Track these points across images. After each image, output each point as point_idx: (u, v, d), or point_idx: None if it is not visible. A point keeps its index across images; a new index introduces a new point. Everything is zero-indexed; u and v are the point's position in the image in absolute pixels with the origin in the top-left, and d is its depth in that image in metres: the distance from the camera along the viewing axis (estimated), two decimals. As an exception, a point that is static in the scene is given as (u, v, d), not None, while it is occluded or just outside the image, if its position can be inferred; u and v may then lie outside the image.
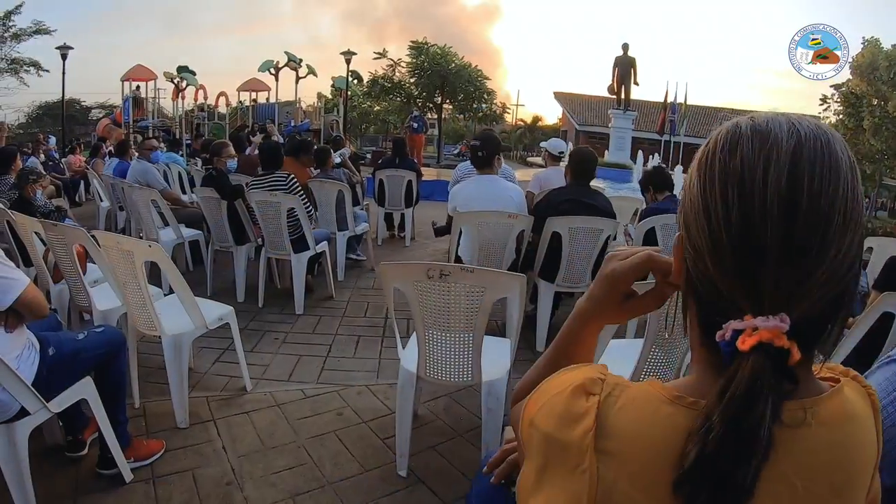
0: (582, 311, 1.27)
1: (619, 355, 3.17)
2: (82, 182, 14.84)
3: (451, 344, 3.23)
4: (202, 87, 30.21)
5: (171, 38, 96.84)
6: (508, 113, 48.07)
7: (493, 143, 5.59)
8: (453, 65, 33.98)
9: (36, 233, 4.52)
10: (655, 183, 5.97)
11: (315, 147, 8.28)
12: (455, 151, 45.18)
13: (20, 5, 33.11)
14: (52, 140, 24.43)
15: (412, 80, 34.97)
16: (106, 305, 4.23)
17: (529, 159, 29.36)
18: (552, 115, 61.06)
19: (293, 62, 29.76)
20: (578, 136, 40.39)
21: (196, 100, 30.81)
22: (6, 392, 2.56)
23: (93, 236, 3.94)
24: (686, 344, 2.86)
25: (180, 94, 29.62)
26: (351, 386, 4.48)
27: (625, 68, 20.90)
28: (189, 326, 3.85)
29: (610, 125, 21.51)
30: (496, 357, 3.43)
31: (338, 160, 8.95)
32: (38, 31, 33.83)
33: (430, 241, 9.86)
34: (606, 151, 22.09)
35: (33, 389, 2.66)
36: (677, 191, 6.09)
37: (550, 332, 5.22)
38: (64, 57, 25.48)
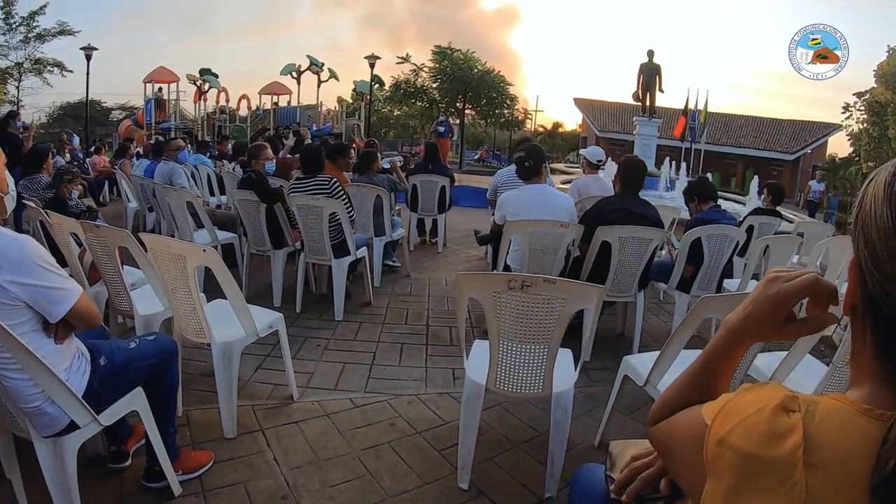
0: (736, 330, 1.26)
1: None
2: (106, 182, 14.79)
3: (525, 355, 3.14)
4: (224, 89, 30.30)
5: (188, 41, 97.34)
6: (530, 119, 47.91)
7: (538, 153, 5.54)
8: (476, 70, 33.98)
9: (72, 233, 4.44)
10: (700, 194, 5.90)
11: (363, 151, 8.21)
12: (475, 157, 45.15)
13: (44, 6, 33.37)
14: (76, 140, 24.50)
15: (434, 85, 34.98)
16: (148, 310, 4.11)
17: (553, 166, 29.16)
18: (571, 120, 60.93)
19: (315, 66, 29.85)
20: (598, 143, 40.17)
21: (217, 102, 30.91)
22: (55, 405, 2.45)
23: (138, 239, 3.84)
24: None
25: (202, 97, 29.71)
26: (400, 395, 4.36)
27: (650, 75, 20.69)
28: (240, 334, 3.72)
29: (635, 132, 21.28)
30: (562, 368, 3.32)
31: (386, 165, 8.82)
32: (62, 32, 34.11)
33: (462, 248, 9.85)
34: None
35: (84, 402, 2.53)
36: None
37: (595, 342, 5.09)
38: (88, 58, 25.63)
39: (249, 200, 6.21)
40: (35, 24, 33.53)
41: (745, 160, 40.12)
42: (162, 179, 8.04)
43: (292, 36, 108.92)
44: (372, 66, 27.74)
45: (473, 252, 9.53)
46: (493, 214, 8.67)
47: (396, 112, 44.72)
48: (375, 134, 30.41)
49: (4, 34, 32.87)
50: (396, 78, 36.39)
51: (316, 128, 26.81)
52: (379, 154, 8.64)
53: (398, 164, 9.19)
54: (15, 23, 33.03)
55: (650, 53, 20.77)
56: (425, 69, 35.43)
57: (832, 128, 40.10)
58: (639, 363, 3.60)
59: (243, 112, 31.88)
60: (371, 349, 5.20)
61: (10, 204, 2.65)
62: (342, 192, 5.96)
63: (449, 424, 3.98)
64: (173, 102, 30.43)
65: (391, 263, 7.75)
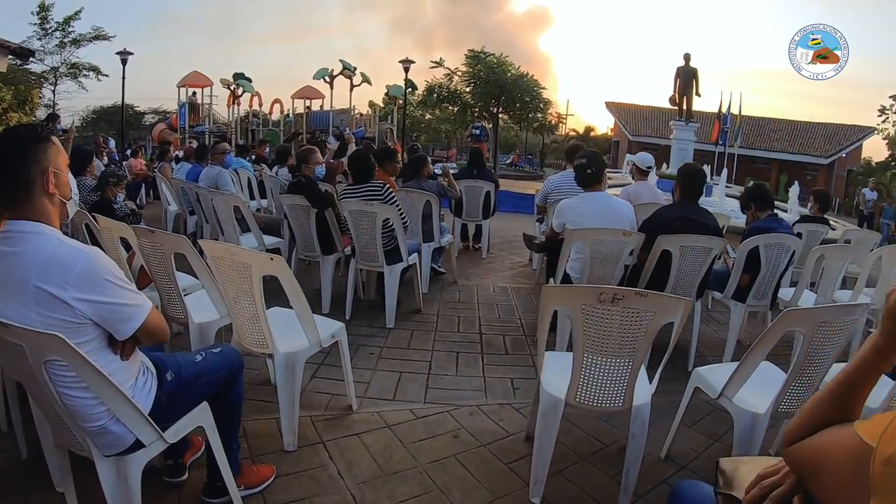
0: (880, 348, 1.32)
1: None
2: (143, 185, 14.85)
3: (609, 369, 3.04)
4: (257, 93, 30.43)
5: (218, 47, 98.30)
6: (563, 123, 47.65)
7: (600, 160, 5.46)
8: (510, 74, 33.87)
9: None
10: (758, 201, 5.78)
11: (413, 157, 8.12)
12: (507, 161, 45.05)
13: (79, 11, 33.72)
14: (112, 143, 24.71)
15: (468, 90, 34.91)
16: (203, 317, 4.02)
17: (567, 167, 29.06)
18: (602, 124, 60.60)
19: (348, 70, 29.87)
20: (631, 147, 39.89)
21: (251, 106, 31.07)
22: (120, 424, 2.33)
23: (195, 245, 3.76)
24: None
25: (236, 101, 29.84)
26: (461, 406, 4.26)
27: (687, 79, 20.42)
28: (303, 344, 3.62)
29: (672, 136, 21.03)
30: (640, 381, 3.19)
31: (437, 171, 8.69)
32: (97, 37, 34.44)
33: (505, 254, 9.76)
34: (665, 163, 21.77)
35: (151, 420, 2.41)
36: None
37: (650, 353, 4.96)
38: (124, 62, 25.79)
39: (299, 205, 6.12)
40: (70, 29, 33.87)
41: (778, 164, 39.70)
42: (207, 183, 7.98)
43: (321, 41, 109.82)
44: (406, 69, 27.68)
45: (517, 258, 9.43)
46: (537, 219, 8.66)
47: (428, 116, 44.76)
48: (407, 138, 30.40)
49: (40, 39, 33.23)
50: (429, 82, 36.42)
51: (349, 131, 26.80)
52: (429, 159, 8.53)
53: (450, 170, 8.99)
54: (51, 28, 33.39)
55: (686, 57, 20.48)
56: (458, 73, 35.39)
57: (867, 131, 39.55)
58: (711, 375, 3.52)
59: (275, 116, 32.04)
60: (426, 358, 5.10)
61: (73, 209, 2.46)
62: (395, 199, 5.86)
63: (514, 436, 3.89)
64: (206, 106, 30.62)
65: (437, 269, 7.63)
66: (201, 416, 2.73)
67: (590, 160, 5.32)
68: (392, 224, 5.70)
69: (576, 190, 6.65)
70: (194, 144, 13.26)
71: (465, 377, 4.78)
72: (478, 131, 23.36)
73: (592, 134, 56.69)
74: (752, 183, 6.57)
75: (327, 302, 6.06)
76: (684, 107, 20.58)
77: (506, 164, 42.23)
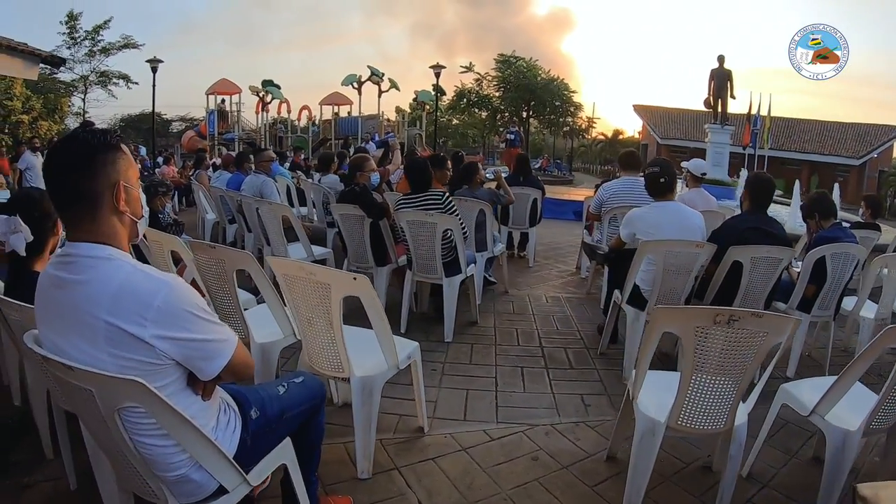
0: None
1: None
2: (176, 192, 14.81)
3: (717, 390, 2.91)
4: (286, 100, 30.45)
5: (242, 55, 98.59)
6: (594, 127, 47.42)
7: (672, 169, 5.25)
8: (539, 78, 33.80)
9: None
10: (822, 210, 5.63)
11: (465, 164, 7.97)
12: (536, 165, 44.93)
13: (108, 20, 34.06)
14: (143, 150, 24.86)
15: (498, 94, 34.88)
16: (265, 337, 3.84)
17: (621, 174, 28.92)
18: (629, 127, 60.20)
19: (376, 76, 29.92)
20: (660, 150, 39.60)
21: (279, 113, 31.11)
22: (202, 470, 2.09)
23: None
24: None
25: (265, 108, 29.91)
26: (535, 426, 4.08)
27: (721, 81, 20.04)
28: (381, 367, 3.45)
29: (706, 140, 20.67)
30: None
31: (490, 177, 8.52)
32: (126, 46, 34.79)
33: (551, 262, 9.61)
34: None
35: (236, 464, 2.17)
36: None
37: None
38: (154, 70, 25.89)
39: (353, 215, 5.98)
40: (100, 37, 34.19)
41: (809, 166, 39.17)
42: (252, 192, 7.84)
43: (343, 48, 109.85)
44: (437, 75, 27.64)
45: (563, 266, 9.29)
46: (585, 226, 8.49)
47: (455, 121, 44.71)
48: (433, 143, 30.41)
49: (69, 48, 33.56)
50: (458, 87, 36.51)
51: (378, 137, 26.76)
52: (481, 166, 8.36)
53: (503, 175, 8.79)
54: (80, 37, 33.72)
55: (720, 58, 20.11)
56: (488, 77, 35.38)
57: (899, 130, 38.96)
58: (799, 392, 3.41)
59: (302, 123, 32.11)
60: (490, 373, 4.93)
61: (143, 228, 2.17)
62: (455, 209, 5.69)
63: (594, 457, 3.73)
64: (235, 113, 30.68)
65: (488, 278, 7.47)
66: (284, 454, 2.54)
67: (662, 169, 5.12)
68: (451, 235, 5.53)
69: (635, 198, 6.56)
70: (233, 152, 13.12)
71: (534, 394, 4.61)
72: (512, 136, 23.30)
73: (621, 137, 56.22)
74: (813, 191, 6.38)
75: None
76: (719, 109, 20.25)
77: (535, 169, 42.13)
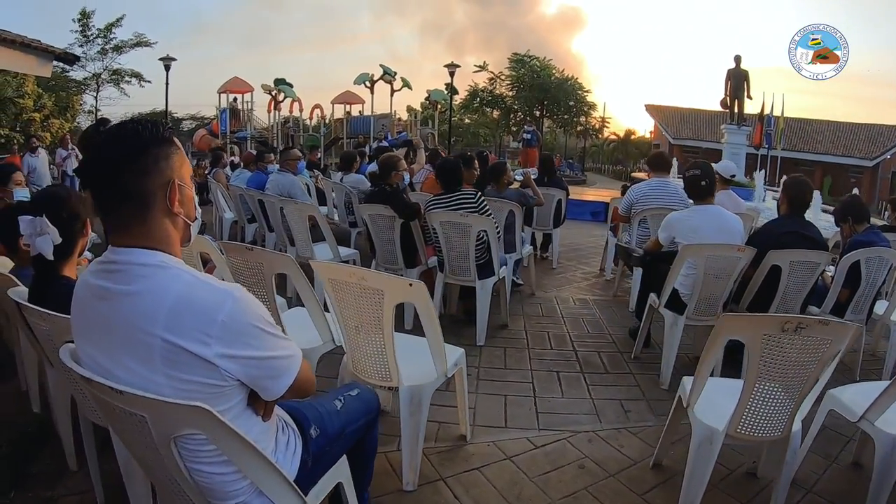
0: None
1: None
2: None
3: (778, 398, 2.89)
4: (298, 99, 30.40)
5: (251, 55, 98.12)
6: (607, 126, 47.20)
7: (713, 172, 5.23)
8: (554, 77, 33.78)
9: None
10: (855, 214, 5.54)
11: (493, 164, 7.89)
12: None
13: (121, 18, 34.07)
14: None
15: (512, 94, 34.85)
16: (303, 343, 3.55)
17: (635, 174, 28.73)
18: (640, 127, 59.81)
19: (388, 75, 29.85)
20: (672, 150, 39.44)
21: (291, 112, 31.06)
22: (263, 496, 1.87)
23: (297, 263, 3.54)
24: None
25: (277, 107, 29.85)
26: (577, 432, 4.00)
27: (738, 81, 19.89)
28: (430, 376, 3.36)
29: (723, 140, 20.56)
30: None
31: (518, 178, 8.40)
32: (138, 44, 34.83)
33: (574, 263, 9.54)
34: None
35: (297, 489, 1.94)
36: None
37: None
38: (167, 68, 25.96)
39: (382, 215, 5.89)
40: (112, 35, 34.23)
41: (822, 167, 38.92)
42: (277, 191, 7.73)
43: (352, 48, 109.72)
44: (452, 74, 27.67)
45: (587, 267, 9.23)
46: (610, 227, 8.41)
47: (466, 120, 44.66)
48: (448, 143, 30.40)
49: (82, 46, 33.58)
50: (472, 86, 36.50)
51: (391, 136, 26.67)
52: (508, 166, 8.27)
53: (532, 176, 8.68)
54: (92, 35, 33.75)
55: (737, 59, 19.97)
56: (502, 77, 35.38)
57: (912, 132, 38.70)
58: (846, 397, 3.36)
59: (313, 121, 32.10)
60: (526, 378, 4.85)
61: (195, 229, 2.06)
62: (488, 209, 5.60)
63: (639, 465, 3.66)
64: (247, 112, 30.63)
65: (515, 280, 7.38)
66: (340, 472, 2.38)
67: (703, 171, 5.07)
68: (485, 236, 5.44)
69: (665, 199, 6.54)
70: (254, 151, 13.01)
71: (573, 400, 4.53)
72: (529, 136, 23.19)
73: (633, 137, 55.94)
74: (848, 195, 6.30)
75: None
76: (735, 110, 20.14)
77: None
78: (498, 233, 5.59)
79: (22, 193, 4.94)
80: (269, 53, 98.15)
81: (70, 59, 15.02)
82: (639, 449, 3.84)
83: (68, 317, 1.83)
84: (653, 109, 46.41)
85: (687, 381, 3.33)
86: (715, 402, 3.06)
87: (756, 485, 3.46)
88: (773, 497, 3.09)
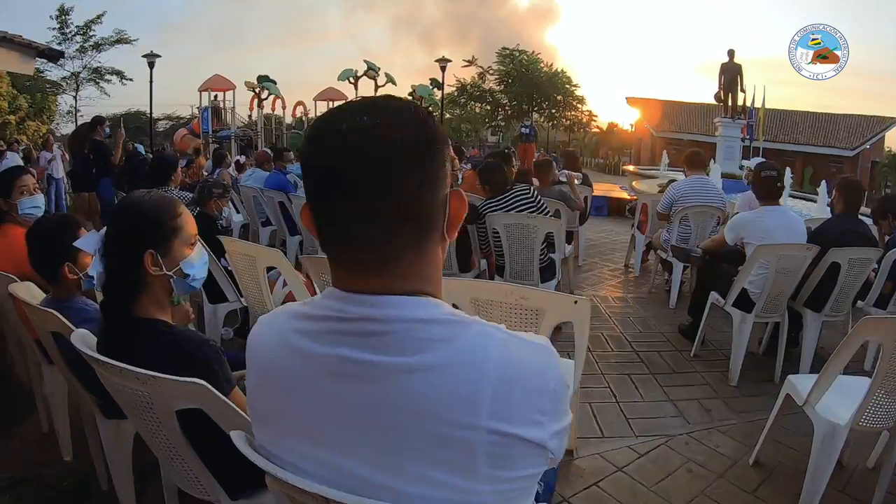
0: None
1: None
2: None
3: None
4: (281, 97, 30.14)
5: (225, 52, 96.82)
6: (595, 120, 47.15)
7: (783, 173, 5.33)
8: (542, 72, 33.84)
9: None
10: (895, 211, 5.69)
11: (538, 161, 7.81)
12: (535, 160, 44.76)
13: (101, 14, 33.47)
14: (141, 149, 24.44)
15: (499, 88, 34.86)
16: None
17: (626, 168, 28.81)
18: (620, 120, 59.83)
19: (372, 71, 29.68)
20: (655, 143, 39.59)
21: (273, 110, 30.79)
22: None
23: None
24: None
25: (260, 104, 29.55)
26: (672, 436, 4.00)
27: (731, 75, 19.94)
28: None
29: (717, 133, 20.60)
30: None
31: (562, 178, 8.30)
32: (119, 41, 34.24)
33: (597, 260, 9.54)
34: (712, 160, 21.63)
35: None
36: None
37: (815, 362, 4.91)
38: (151, 65, 25.57)
39: None
40: (92, 33, 33.60)
41: (803, 157, 39.28)
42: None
43: (325, 44, 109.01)
44: (443, 69, 27.67)
45: (612, 264, 9.23)
46: (636, 225, 8.40)
47: (448, 115, 44.60)
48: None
49: (60, 44, 32.93)
50: (460, 81, 36.45)
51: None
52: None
53: (575, 178, 8.54)
54: (71, 32, 33.10)
55: (730, 53, 20.02)
56: (490, 71, 35.42)
57: (889, 122, 39.13)
58: (801, 383, 3.43)
59: (289, 119, 31.88)
60: (601, 383, 4.80)
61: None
62: (546, 207, 5.53)
63: (739, 463, 3.69)
64: (231, 110, 30.28)
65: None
66: None
67: (778, 173, 5.16)
68: (550, 238, 5.38)
69: (705, 197, 6.68)
70: (268, 149, 12.80)
71: (654, 403, 4.52)
72: (527, 130, 23.12)
73: (616, 130, 55.87)
74: (886, 193, 6.39)
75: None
76: (729, 103, 20.24)
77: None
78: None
79: (31, 203, 3.82)
80: (243, 51, 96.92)
81: (54, 55, 14.76)
82: (732, 447, 3.87)
83: (187, 380, 1.78)
84: (634, 102, 46.53)
85: (796, 379, 3.45)
86: (833, 398, 3.13)
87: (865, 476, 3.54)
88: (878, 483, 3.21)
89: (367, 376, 1.08)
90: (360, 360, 1.08)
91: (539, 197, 5.58)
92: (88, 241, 2.27)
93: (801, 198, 16.32)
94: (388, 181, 1.06)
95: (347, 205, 1.07)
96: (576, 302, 2.98)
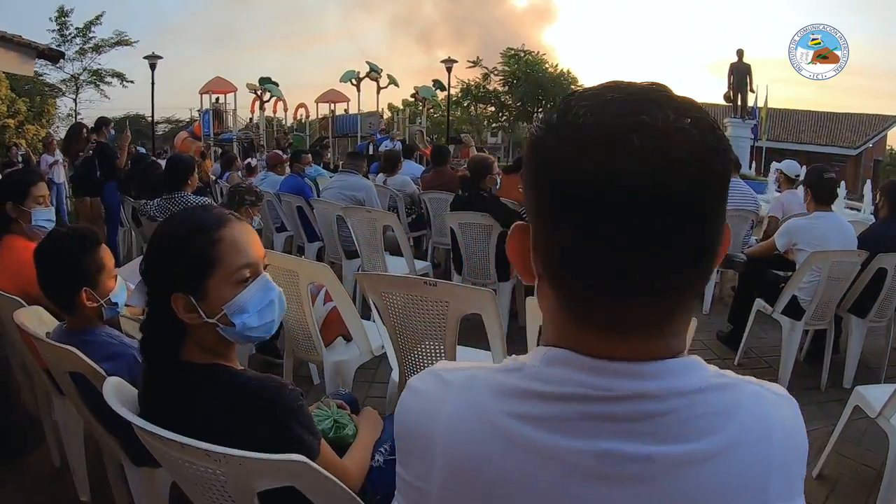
0: None
1: None
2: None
3: None
4: (283, 99, 30.06)
5: (224, 54, 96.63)
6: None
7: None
8: (547, 72, 33.84)
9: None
10: None
11: None
12: (522, 159, 44.76)
13: (101, 15, 33.17)
14: (143, 151, 24.30)
15: (504, 89, 34.85)
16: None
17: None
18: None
19: (375, 72, 29.65)
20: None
21: (275, 112, 30.70)
22: None
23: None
24: None
25: (262, 106, 29.45)
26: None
27: (740, 75, 20.00)
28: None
29: (727, 134, 20.65)
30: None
31: None
32: (119, 43, 33.95)
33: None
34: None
35: None
36: None
37: (859, 369, 4.93)
38: (152, 66, 25.47)
39: (478, 224, 5.52)
40: (91, 34, 33.32)
41: (806, 156, 39.22)
42: (341, 195, 7.16)
43: (323, 46, 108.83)
44: (449, 70, 27.63)
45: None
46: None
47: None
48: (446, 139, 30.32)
49: (59, 46, 32.67)
50: (466, 83, 36.45)
51: (380, 135, 26.36)
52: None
53: None
54: (70, 34, 32.80)
55: (740, 53, 20.10)
56: (495, 72, 35.44)
57: (892, 120, 39.15)
58: (870, 394, 3.38)
59: (289, 121, 31.83)
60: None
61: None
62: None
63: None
64: (232, 112, 30.12)
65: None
66: None
67: (836, 179, 5.16)
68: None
69: (738, 201, 6.70)
70: (280, 152, 12.56)
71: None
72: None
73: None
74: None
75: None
76: (739, 103, 20.25)
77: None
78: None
79: (45, 215, 3.39)
80: (237, 53, 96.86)
81: (54, 55, 14.58)
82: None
83: (284, 458, 1.47)
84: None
85: (865, 389, 3.41)
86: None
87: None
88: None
89: (640, 476, 0.79)
90: (632, 455, 0.78)
91: None
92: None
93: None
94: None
95: (658, 240, 0.75)
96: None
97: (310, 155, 10.08)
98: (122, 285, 2.46)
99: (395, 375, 3.35)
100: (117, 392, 1.71)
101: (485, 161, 6.19)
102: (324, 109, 31.70)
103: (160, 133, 43.44)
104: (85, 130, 9.45)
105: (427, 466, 0.87)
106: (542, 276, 0.87)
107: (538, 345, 0.91)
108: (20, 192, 3.29)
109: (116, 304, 2.40)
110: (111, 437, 2.32)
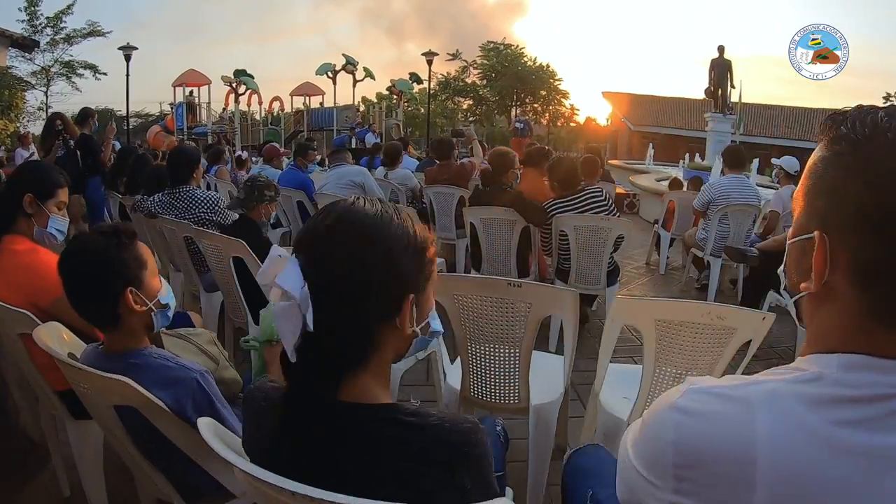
0: None
1: None
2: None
3: None
4: (258, 92, 29.77)
5: (187, 48, 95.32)
6: (576, 115, 47.00)
7: None
8: (526, 66, 33.88)
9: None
10: None
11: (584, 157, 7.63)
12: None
13: (72, 4, 32.46)
14: (118, 146, 23.90)
15: (483, 83, 34.85)
16: (543, 398, 3.02)
17: (612, 162, 28.88)
18: (595, 113, 59.82)
19: (351, 65, 29.51)
20: (632, 137, 39.73)
21: (249, 105, 30.40)
22: None
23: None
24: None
25: (236, 99, 29.11)
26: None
27: (721, 70, 20.28)
28: (556, 394, 2.99)
29: (707, 129, 20.89)
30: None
31: None
32: (91, 34, 33.28)
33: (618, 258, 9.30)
34: (697, 154, 21.77)
35: None
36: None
37: None
38: (127, 58, 24.98)
39: (501, 219, 5.44)
40: (63, 24, 32.60)
41: (779, 150, 39.64)
42: (340, 186, 7.16)
43: (295, 39, 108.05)
44: (429, 62, 27.56)
45: (633, 262, 9.08)
46: (661, 224, 8.31)
47: (422, 109, 44.48)
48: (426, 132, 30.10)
49: (30, 36, 31.99)
50: (445, 76, 36.38)
51: (360, 128, 26.20)
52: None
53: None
54: (40, 24, 32.06)
55: (720, 49, 20.31)
56: (474, 65, 35.44)
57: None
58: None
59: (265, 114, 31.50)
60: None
61: None
62: (615, 209, 5.39)
63: None
64: (204, 106, 29.77)
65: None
66: None
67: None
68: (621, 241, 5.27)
69: (743, 195, 6.67)
70: (278, 145, 12.34)
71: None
72: (521, 125, 23.05)
73: (593, 124, 55.80)
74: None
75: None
76: (720, 98, 20.48)
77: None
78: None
79: (61, 224, 2.96)
80: (207, 47, 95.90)
81: (28, 44, 14.22)
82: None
83: None
84: (610, 97, 46.47)
85: None
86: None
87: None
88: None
89: None
90: None
91: (612, 201, 5.45)
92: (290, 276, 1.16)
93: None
94: None
95: None
96: (763, 318, 2.60)
97: (316, 150, 9.86)
98: (169, 287, 2.15)
99: (453, 382, 3.11)
100: (217, 436, 1.38)
101: (507, 155, 6.08)
102: (298, 103, 31.51)
103: (131, 127, 42.87)
104: (58, 122, 8.86)
105: (744, 492, 0.87)
106: (838, 286, 0.92)
107: (798, 355, 0.98)
108: (46, 191, 2.87)
109: (167, 305, 2.09)
110: (159, 474, 1.98)
